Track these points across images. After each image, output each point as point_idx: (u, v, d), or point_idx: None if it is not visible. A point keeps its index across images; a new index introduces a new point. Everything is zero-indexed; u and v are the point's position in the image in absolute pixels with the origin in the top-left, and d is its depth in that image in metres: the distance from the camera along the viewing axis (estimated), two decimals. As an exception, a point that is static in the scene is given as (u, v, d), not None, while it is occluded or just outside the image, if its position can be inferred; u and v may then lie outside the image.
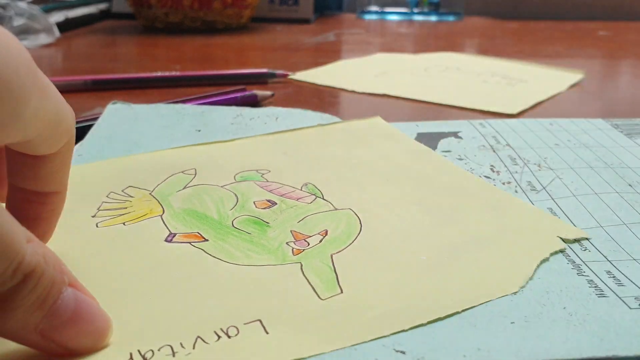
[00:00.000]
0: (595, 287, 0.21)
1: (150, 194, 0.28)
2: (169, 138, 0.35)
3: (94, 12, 0.90)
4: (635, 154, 0.34)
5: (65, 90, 0.48)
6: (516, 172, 0.31)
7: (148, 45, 0.74)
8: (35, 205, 0.22)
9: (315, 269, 0.22)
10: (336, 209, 0.27)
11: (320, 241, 0.24)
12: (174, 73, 0.51)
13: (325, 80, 0.53)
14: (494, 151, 0.34)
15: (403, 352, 0.18)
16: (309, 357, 0.17)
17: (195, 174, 0.30)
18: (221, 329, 0.18)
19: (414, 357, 0.17)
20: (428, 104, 0.46)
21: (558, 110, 0.44)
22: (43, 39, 0.68)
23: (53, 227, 0.23)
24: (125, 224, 0.25)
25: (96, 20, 0.90)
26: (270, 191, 0.28)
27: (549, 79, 0.54)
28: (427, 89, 0.50)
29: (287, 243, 0.24)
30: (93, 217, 0.26)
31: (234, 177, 0.30)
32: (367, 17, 1.04)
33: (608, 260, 0.23)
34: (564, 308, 0.20)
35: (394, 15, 1.04)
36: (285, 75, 0.53)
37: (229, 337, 0.18)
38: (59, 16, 0.77)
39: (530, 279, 0.21)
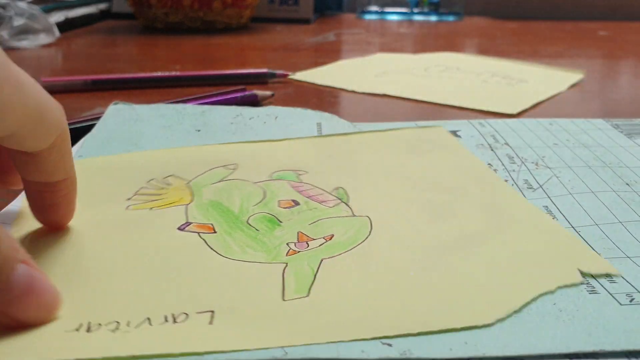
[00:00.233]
0: (587, 284, 0.21)
1: (187, 183, 0.29)
2: (169, 139, 0.35)
3: (94, 12, 0.90)
4: (635, 154, 0.34)
5: (65, 90, 0.48)
6: (513, 170, 0.31)
7: (148, 45, 0.74)
8: (47, 194, 0.23)
9: (297, 271, 0.22)
10: (354, 216, 0.26)
11: (321, 245, 0.24)
12: (174, 73, 0.51)
13: (325, 80, 0.53)
14: (492, 150, 0.34)
15: (390, 345, 0.18)
16: (248, 350, 0.17)
17: (235, 169, 0.31)
18: (172, 314, 0.19)
19: (400, 349, 0.17)
20: (428, 104, 0.46)
21: (558, 111, 0.44)
22: (43, 39, 0.68)
23: (72, 208, 0.25)
24: (153, 209, 0.27)
25: (96, 20, 0.90)
26: (299, 192, 0.28)
27: (549, 79, 0.54)
28: (427, 89, 0.50)
29: (287, 243, 0.24)
30: (128, 199, 0.27)
31: (271, 175, 0.30)
32: (367, 17, 1.04)
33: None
34: (554, 304, 0.20)
35: (394, 15, 1.04)
36: (285, 75, 0.53)
37: (175, 322, 0.19)
38: (59, 16, 0.78)
39: (516, 312, 0.19)
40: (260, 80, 0.52)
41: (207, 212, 0.26)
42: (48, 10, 0.74)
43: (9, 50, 0.65)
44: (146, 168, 0.31)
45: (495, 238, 0.24)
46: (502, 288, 0.21)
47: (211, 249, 0.23)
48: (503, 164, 0.32)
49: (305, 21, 0.94)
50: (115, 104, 0.39)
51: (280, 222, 0.25)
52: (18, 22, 0.66)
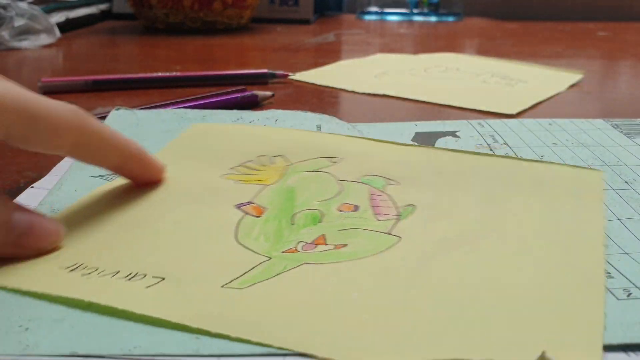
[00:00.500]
0: None
1: (287, 166, 0.30)
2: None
3: (94, 12, 0.90)
4: (634, 153, 0.34)
5: (66, 90, 0.48)
6: (514, 171, 0.31)
7: (148, 46, 0.74)
8: (121, 172, 0.27)
9: (268, 267, 0.21)
10: (387, 234, 0.24)
11: (323, 251, 0.23)
12: (174, 73, 0.51)
13: (325, 80, 0.53)
14: (491, 150, 0.34)
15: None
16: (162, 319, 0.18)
17: (337, 163, 0.30)
18: (137, 273, 0.21)
19: None
20: (428, 104, 0.46)
21: (557, 111, 0.44)
22: (44, 39, 0.69)
23: (148, 175, 0.27)
24: (240, 182, 0.28)
25: (97, 21, 0.90)
26: (372, 199, 0.27)
27: (548, 80, 0.54)
28: (426, 89, 0.50)
29: (299, 242, 0.23)
30: (231, 168, 0.30)
31: (361, 177, 0.29)
32: (367, 17, 1.04)
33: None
34: None
35: (393, 16, 1.04)
36: (285, 76, 0.53)
37: (128, 279, 0.20)
38: (59, 16, 0.78)
39: None
40: (260, 80, 0.52)
41: (273, 197, 0.27)
42: (49, 11, 0.74)
43: (9, 50, 0.65)
44: (263, 143, 0.32)
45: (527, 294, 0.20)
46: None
47: (237, 230, 0.24)
48: (502, 164, 0.32)
49: (306, 22, 0.94)
50: (117, 109, 0.39)
51: (320, 221, 0.25)
52: (19, 22, 0.66)
